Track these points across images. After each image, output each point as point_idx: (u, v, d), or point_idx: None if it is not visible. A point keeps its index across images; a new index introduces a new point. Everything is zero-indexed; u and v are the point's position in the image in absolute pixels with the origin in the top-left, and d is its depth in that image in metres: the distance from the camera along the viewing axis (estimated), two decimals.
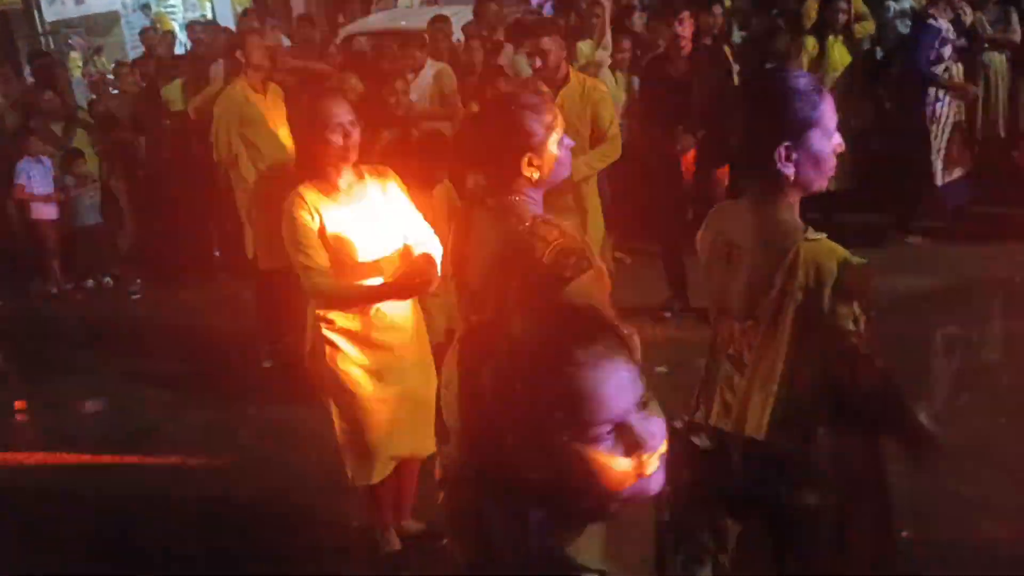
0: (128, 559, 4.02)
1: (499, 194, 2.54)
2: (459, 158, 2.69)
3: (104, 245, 7.74)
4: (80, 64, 14.78)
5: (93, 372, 6.07)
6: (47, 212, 7.64)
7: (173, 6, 19.34)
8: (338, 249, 3.31)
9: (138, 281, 7.56)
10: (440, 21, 7.76)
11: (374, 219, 3.38)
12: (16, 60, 14.39)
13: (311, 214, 3.28)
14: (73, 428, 5.44)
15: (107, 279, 7.72)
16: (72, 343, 6.78)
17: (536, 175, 2.50)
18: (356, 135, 3.28)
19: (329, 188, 3.35)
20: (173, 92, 8.20)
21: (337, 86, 6.03)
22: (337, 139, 3.24)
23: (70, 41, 16.45)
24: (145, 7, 18.20)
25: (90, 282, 7.72)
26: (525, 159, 2.48)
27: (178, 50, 13.57)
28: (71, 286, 7.73)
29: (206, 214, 7.19)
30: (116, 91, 9.30)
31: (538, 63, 4.72)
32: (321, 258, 3.29)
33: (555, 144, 2.52)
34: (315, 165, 3.33)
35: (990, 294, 5.96)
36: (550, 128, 2.50)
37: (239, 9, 15.56)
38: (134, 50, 15.49)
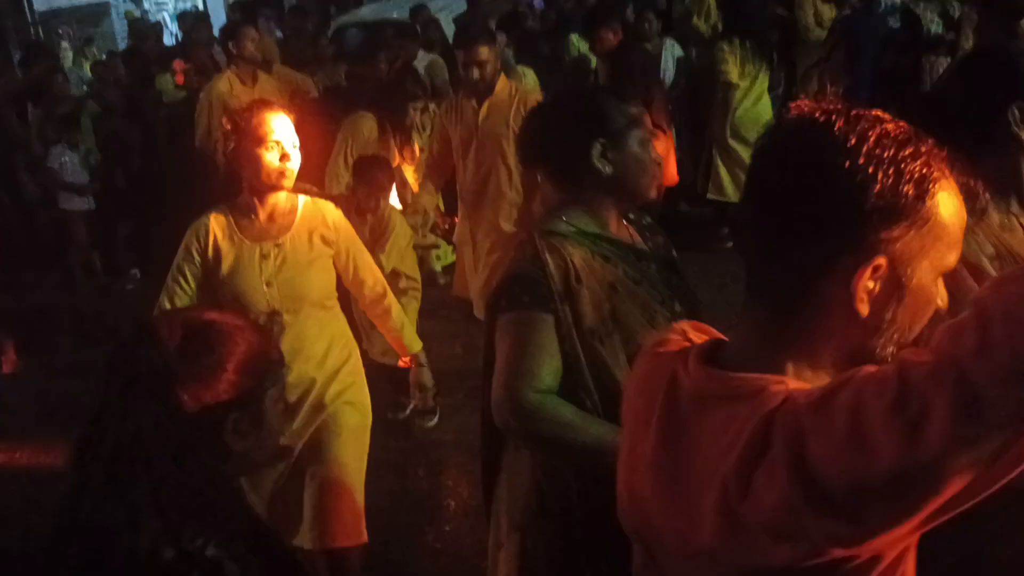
0: None
1: (565, 201, 2.11)
2: (522, 157, 2.14)
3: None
4: (71, 54, 14.71)
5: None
6: (79, 203, 7.37)
7: None
8: (232, 296, 2.82)
9: (133, 272, 7.56)
10: (418, 13, 7.92)
11: (291, 266, 2.85)
12: (6, 50, 14.33)
13: (204, 248, 2.81)
14: None
15: (135, 272, 7.61)
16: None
17: (609, 170, 2.05)
18: (296, 161, 2.76)
19: (245, 217, 2.85)
20: (166, 83, 8.21)
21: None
22: (271, 159, 2.72)
23: (60, 31, 16.36)
24: None
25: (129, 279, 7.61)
26: (597, 147, 2.04)
27: (168, 41, 13.57)
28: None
29: (201, 204, 7.18)
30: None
31: (475, 73, 4.37)
32: (178, 301, 2.82)
33: (638, 142, 2.08)
34: (235, 187, 2.84)
35: None
36: (634, 121, 2.09)
37: (230, 0, 15.50)
38: (124, 41, 15.46)
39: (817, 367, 1.11)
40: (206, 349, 1.46)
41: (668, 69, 6.93)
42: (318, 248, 2.90)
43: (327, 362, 2.97)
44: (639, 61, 5.98)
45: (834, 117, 1.06)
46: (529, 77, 6.85)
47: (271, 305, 2.82)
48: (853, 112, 1.06)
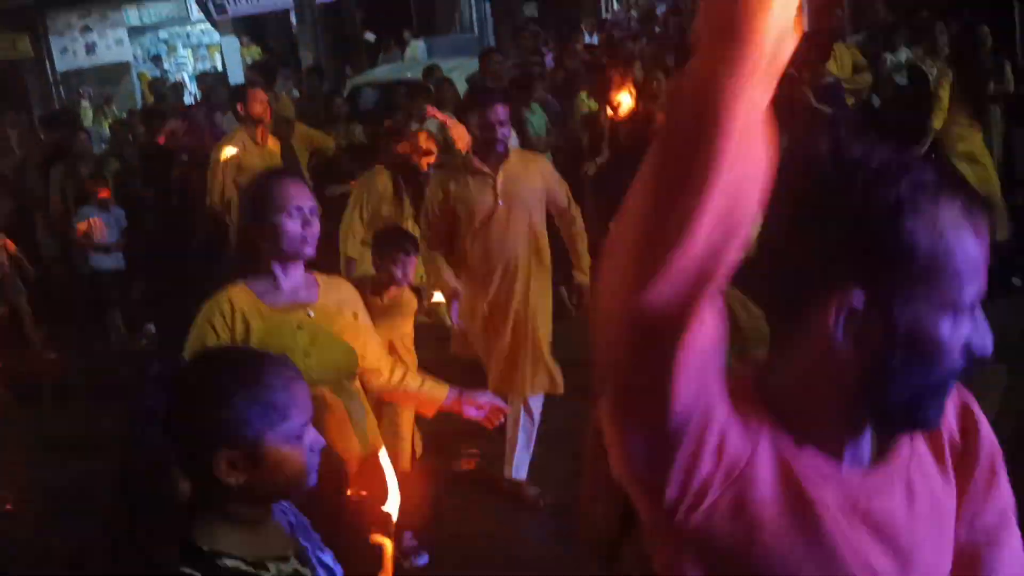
0: None
1: None
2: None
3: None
4: (90, 113, 15.02)
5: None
6: (109, 262, 7.33)
7: (183, 57, 19.72)
8: None
9: (148, 327, 7.61)
10: (431, 73, 8.07)
11: (326, 335, 2.75)
12: (28, 109, 14.65)
13: (231, 324, 2.64)
14: None
15: (150, 326, 7.62)
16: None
17: None
18: (316, 227, 2.68)
19: (270, 289, 2.70)
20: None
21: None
22: (294, 225, 2.62)
23: (80, 91, 16.73)
24: (156, 58, 18.57)
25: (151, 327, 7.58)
26: None
27: (187, 100, 13.84)
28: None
29: (214, 262, 7.27)
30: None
31: (497, 133, 4.14)
32: None
33: None
34: (257, 257, 2.70)
35: None
36: None
37: (248, 61, 15.88)
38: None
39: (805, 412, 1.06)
40: (198, 384, 1.53)
41: None
42: (347, 317, 2.80)
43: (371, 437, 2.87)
44: None
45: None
46: (537, 116, 7.02)
47: (311, 377, 2.60)
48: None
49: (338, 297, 2.81)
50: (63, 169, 7.62)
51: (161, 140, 8.14)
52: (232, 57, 17.65)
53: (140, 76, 16.53)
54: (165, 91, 12.15)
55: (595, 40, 14.29)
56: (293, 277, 2.71)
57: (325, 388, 2.67)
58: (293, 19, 13.19)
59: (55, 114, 9.89)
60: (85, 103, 15.75)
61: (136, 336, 7.53)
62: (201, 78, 13.51)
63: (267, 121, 6.11)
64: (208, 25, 18.46)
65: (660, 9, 18.89)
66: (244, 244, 2.74)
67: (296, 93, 10.21)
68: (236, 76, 15.41)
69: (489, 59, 8.23)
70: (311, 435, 1.59)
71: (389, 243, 4.05)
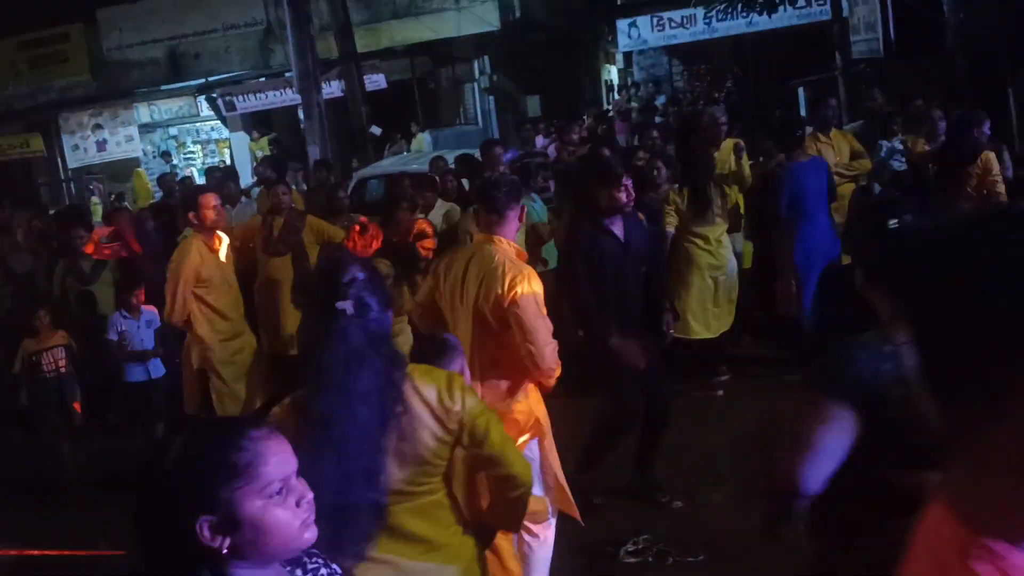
0: None
1: None
2: None
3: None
4: (100, 209, 15.24)
5: None
6: (141, 373, 6.50)
7: (192, 152, 20.14)
8: None
9: (160, 424, 7.48)
10: (437, 163, 8.25)
11: None
12: (39, 205, 14.88)
13: None
14: None
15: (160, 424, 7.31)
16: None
17: None
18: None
19: None
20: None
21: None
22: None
23: (91, 187, 17.04)
24: (165, 154, 18.97)
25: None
26: None
27: None
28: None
29: None
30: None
31: None
32: None
33: None
34: None
35: None
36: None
37: (258, 154, 16.20)
38: (155, 195, 16.04)
39: None
40: (176, 456, 1.53)
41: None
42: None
43: None
44: None
45: None
46: (539, 203, 7.11)
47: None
48: None
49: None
50: (64, 265, 7.61)
51: (89, 248, 7.59)
52: (241, 151, 18.03)
53: (136, 174, 16.75)
54: (175, 185, 12.33)
55: (598, 131, 14.58)
56: None
57: None
58: (301, 115, 13.49)
59: (63, 211, 10.00)
60: (95, 199, 16.00)
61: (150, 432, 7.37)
62: (210, 172, 13.75)
63: (221, 227, 5.81)
64: (217, 121, 18.91)
65: (659, 100, 19.33)
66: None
67: (303, 186, 10.37)
68: (245, 169, 15.70)
69: (491, 151, 8.39)
70: (298, 490, 1.54)
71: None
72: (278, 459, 1.53)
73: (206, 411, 5.64)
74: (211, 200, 5.65)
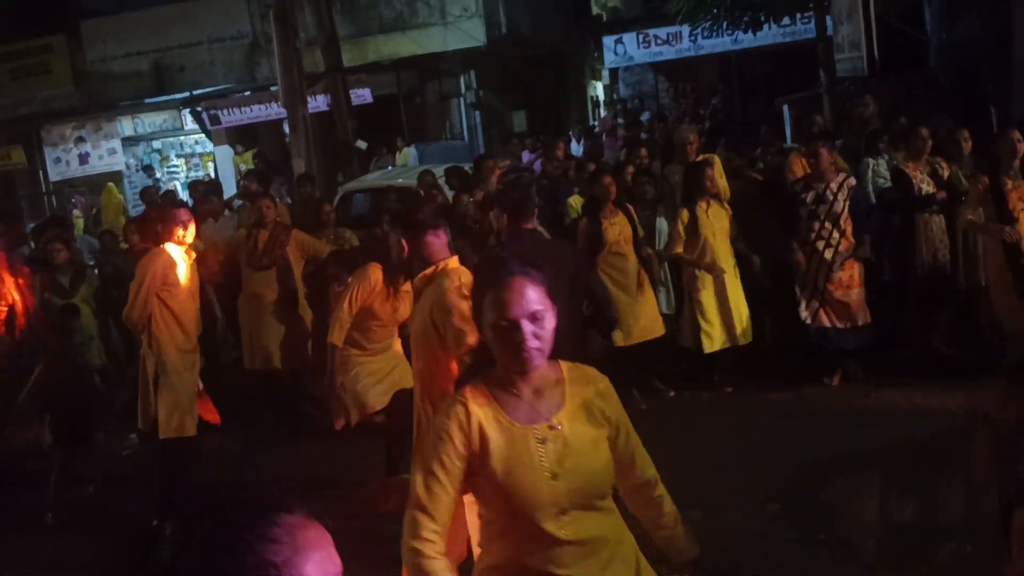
0: None
1: None
2: None
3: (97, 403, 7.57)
4: (82, 222, 15.11)
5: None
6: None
7: (176, 166, 20.02)
8: (508, 494, 2.32)
9: (131, 437, 7.44)
10: (424, 177, 8.22)
11: (575, 452, 2.37)
12: (19, 218, 14.72)
13: (467, 439, 2.25)
14: None
15: (133, 436, 7.42)
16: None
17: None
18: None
19: (511, 396, 2.33)
20: None
21: None
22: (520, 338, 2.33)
23: (72, 200, 16.89)
24: (148, 168, 18.85)
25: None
26: None
27: None
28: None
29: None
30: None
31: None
32: (439, 497, 2.32)
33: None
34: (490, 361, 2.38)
35: None
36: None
37: (242, 168, 16.11)
38: (135, 208, 15.92)
39: None
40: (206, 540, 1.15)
41: (663, 232, 7.10)
42: (599, 421, 2.32)
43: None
44: None
45: None
46: None
47: (560, 504, 2.20)
48: None
49: (586, 395, 2.32)
50: (41, 279, 7.53)
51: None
52: (225, 165, 17.93)
53: (107, 189, 16.57)
54: (157, 199, 12.22)
55: (583, 147, 14.60)
56: (535, 379, 2.28)
57: (577, 509, 2.22)
58: (286, 128, 13.43)
59: (43, 223, 9.88)
60: (77, 212, 15.86)
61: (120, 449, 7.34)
62: (193, 185, 13.66)
63: (186, 244, 5.66)
64: (202, 135, 18.82)
65: (645, 116, 19.39)
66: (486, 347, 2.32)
67: (288, 200, 10.31)
68: (229, 183, 15.61)
69: (483, 164, 8.37)
70: None
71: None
72: (323, 555, 1.16)
73: (153, 425, 5.48)
74: (182, 216, 5.56)
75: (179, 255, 5.52)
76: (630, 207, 6.78)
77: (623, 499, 2.50)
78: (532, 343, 2.17)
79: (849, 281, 6.49)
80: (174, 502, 5.41)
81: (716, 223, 6.61)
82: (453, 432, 2.21)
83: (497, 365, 2.28)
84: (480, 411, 2.23)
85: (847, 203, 6.42)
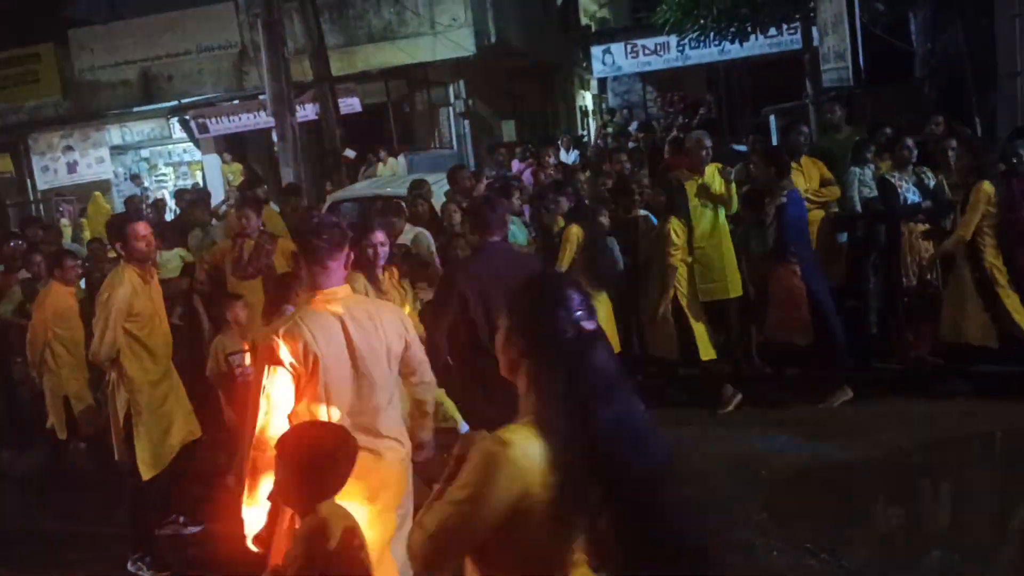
0: None
1: None
2: None
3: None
4: (69, 231, 15.04)
5: None
6: None
7: (164, 175, 19.97)
8: None
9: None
10: (417, 187, 8.21)
11: None
12: (6, 227, 14.66)
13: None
14: None
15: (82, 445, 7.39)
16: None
17: None
18: None
19: None
20: (160, 260, 8.31)
21: None
22: None
23: (60, 208, 16.81)
24: (135, 177, 18.79)
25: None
26: None
27: (168, 217, 13.92)
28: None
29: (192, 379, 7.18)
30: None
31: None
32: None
33: None
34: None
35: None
36: None
37: (230, 177, 16.09)
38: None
39: None
40: None
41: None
42: None
43: None
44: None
45: None
46: (518, 226, 7.09)
47: None
48: None
49: None
50: (20, 289, 7.45)
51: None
52: (214, 174, 17.90)
53: (93, 198, 16.48)
54: (143, 208, 12.20)
55: (572, 156, 14.62)
56: None
57: None
58: (275, 137, 13.41)
59: (29, 225, 9.81)
60: (65, 220, 15.79)
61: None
62: (180, 194, 13.63)
63: (152, 259, 5.36)
64: (190, 144, 18.79)
65: (633, 126, 19.47)
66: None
67: (276, 208, 10.28)
68: (218, 192, 15.58)
69: (457, 175, 8.38)
70: None
71: None
72: None
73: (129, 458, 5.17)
74: (141, 230, 5.14)
75: (138, 278, 5.12)
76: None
77: None
78: None
79: None
80: (148, 535, 5.29)
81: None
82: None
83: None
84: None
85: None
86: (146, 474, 5.14)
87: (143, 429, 5.13)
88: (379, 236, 5.18)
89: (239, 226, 7.13)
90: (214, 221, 9.58)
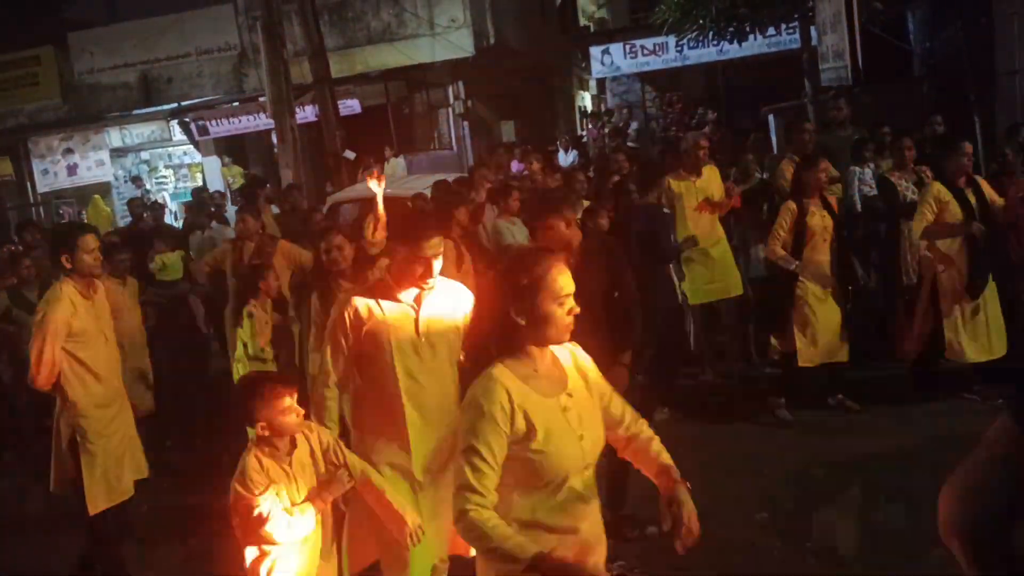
0: None
1: None
2: None
3: None
4: None
5: None
6: None
7: (164, 177, 19.99)
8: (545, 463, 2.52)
9: None
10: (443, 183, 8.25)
11: (589, 414, 2.67)
12: (7, 230, 14.68)
13: (511, 419, 2.44)
14: None
15: None
16: None
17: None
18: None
19: (531, 373, 2.55)
20: (158, 262, 8.33)
21: None
22: (562, 314, 2.58)
23: (60, 211, 16.84)
24: (136, 179, 18.81)
25: None
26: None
27: (168, 219, 13.94)
28: None
29: (190, 383, 7.21)
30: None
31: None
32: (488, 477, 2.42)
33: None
34: (516, 342, 2.56)
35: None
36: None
37: (230, 180, 16.09)
38: (123, 219, 15.89)
39: None
40: None
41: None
42: (593, 381, 2.64)
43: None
44: None
45: None
46: (518, 227, 7.10)
47: (587, 461, 2.51)
48: None
49: (578, 364, 2.63)
50: (6, 295, 7.35)
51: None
52: (214, 176, 17.91)
53: (92, 202, 16.46)
54: (144, 210, 12.20)
55: (571, 157, 14.65)
56: (548, 356, 2.57)
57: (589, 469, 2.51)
58: (274, 139, 13.43)
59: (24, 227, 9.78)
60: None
61: None
62: (196, 194, 13.63)
63: (97, 272, 4.87)
64: (191, 146, 18.81)
65: (634, 126, 19.49)
66: (510, 327, 2.48)
67: (276, 209, 10.30)
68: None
69: (439, 186, 8.37)
70: None
71: None
72: None
73: (75, 489, 4.75)
74: (90, 243, 4.72)
75: (78, 294, 4.70)
76: None
77: (621, 453, 2.77)
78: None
79: None
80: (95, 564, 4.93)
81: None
82: (496, 414, 2.38)
83: (512, 349, 2.50)
84: (516, 390, 2.43)
85: None
86: (94, 508, 4.72)
87: (88, 457, 4.71)
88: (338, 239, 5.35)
89: (241, 229, 7.16)
90: (213, 224, 9.59)
